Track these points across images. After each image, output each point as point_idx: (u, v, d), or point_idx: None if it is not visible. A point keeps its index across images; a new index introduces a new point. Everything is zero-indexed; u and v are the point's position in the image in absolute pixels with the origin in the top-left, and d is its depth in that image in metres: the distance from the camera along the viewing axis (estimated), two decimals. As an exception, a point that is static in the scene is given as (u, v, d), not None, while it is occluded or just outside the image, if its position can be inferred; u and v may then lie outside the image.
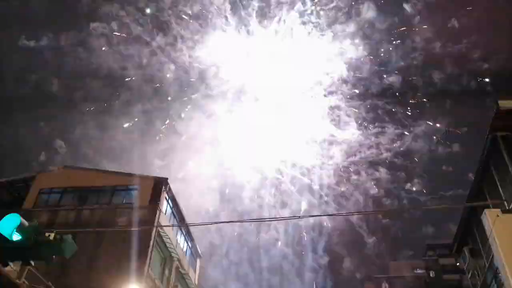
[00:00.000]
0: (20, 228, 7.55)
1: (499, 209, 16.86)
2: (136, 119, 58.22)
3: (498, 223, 16.22)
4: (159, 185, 27.49)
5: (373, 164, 58.80)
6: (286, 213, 58.05)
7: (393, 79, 56.71)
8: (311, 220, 60.16)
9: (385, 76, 57.25)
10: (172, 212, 29.34)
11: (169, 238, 28.00)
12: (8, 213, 7.76)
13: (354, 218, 59.82)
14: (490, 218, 16.63)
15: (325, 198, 58.10)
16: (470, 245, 22.40)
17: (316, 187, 58.74)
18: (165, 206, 27.69)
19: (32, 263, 8.29)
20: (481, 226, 18.33)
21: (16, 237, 7.59)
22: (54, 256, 8.41)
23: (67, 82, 59.01)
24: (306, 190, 59.24)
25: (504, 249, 16.12)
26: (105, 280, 22.26)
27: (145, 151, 56.05)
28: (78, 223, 25.12)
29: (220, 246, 55.07)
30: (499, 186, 18.29)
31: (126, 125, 57.82)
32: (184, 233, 32.39)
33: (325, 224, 59.00)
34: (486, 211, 17.11)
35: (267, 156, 59.14)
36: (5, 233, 7.46)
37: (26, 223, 7.65)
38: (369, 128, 58.15)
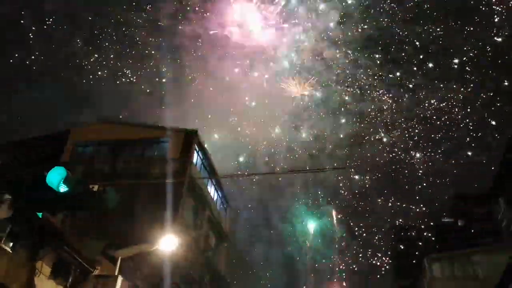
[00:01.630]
0: (66, 180, 7.86)
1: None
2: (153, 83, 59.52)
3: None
4: (189, 137, 27.84)
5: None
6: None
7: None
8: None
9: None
10: (203, 163, 29.84)
11: (200, 189, 28.67)
12: (51, 167, 8.07)
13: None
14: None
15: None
16: (507, 194, 22.24)
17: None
18: (195, 157, 28.15)
19: (77, 213, 8.73)
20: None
21: (63, 188, 7.92)
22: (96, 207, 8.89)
23: (88, 45, 60.21)
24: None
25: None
26: (140, 229, 22.93)
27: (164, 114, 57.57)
28: (113, 176, 25.61)
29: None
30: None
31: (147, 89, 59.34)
32: (214, 184, 33.08)
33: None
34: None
35: (281, 118, 59.53)
36: (53, 185, 7.80)
37: (72, 175, 7.95)
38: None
